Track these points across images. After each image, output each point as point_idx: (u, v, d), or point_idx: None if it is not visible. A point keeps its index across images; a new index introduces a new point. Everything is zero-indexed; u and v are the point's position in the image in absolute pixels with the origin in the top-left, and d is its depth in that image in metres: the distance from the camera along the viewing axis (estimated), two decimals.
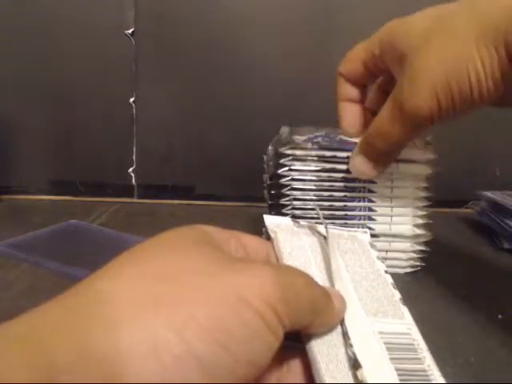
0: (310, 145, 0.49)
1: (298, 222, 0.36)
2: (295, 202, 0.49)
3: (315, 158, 0.49)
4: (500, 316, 0.43)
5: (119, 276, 0.21)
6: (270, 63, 0.80)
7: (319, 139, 0.50)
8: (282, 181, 0.49)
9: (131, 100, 0.81)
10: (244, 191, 0.82)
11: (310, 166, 0.49)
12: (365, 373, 0.22)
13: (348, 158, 0.46)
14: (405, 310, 0.28)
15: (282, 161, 0.49)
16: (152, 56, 0.80)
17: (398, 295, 0.29)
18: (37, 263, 0.53)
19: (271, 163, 0.50)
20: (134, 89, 0.81)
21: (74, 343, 0.16)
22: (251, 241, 0.28)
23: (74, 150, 0.83)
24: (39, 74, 0.80)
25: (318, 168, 0.48)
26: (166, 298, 0.18)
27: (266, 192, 0.53)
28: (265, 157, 0.55)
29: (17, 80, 0.80)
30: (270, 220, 0.34)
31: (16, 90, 0.81)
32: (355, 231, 0.37)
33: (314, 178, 0.48)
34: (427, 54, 0.34)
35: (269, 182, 0.50)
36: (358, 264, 0.31)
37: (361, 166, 0.43)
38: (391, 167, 0.47)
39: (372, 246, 0.35)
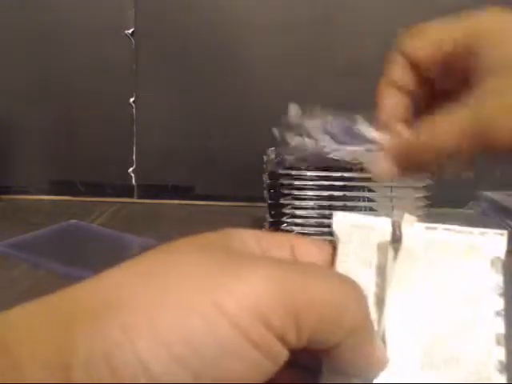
0: (321, 135, 0.48)
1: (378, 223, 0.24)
2: (295, 202, 0.49)
3: (314, 187, 0.48)
4: None
5: (105, 275, 0.18)
6: (270, 63, 0.80)
7: (312, 156, 0.50)
8: (282, 181, 0.49)
9: (131, 100, 0.81)
10: (244, 191, 0.82)
11: (310, 171, 0.49)
12: None
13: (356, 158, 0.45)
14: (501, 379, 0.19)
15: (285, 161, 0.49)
16: (152, 56, 0.80)
17: (499, 355, 0.20)
18: (37, 263, 0.53)
19: (271, 164, 0.50)
20: (134, 89, 0.81)
21: (38, 344, 0.16)
22: (306, 247, 0.22)
23: (74, 150, 0.83)
24: (39, 74, 0.80)
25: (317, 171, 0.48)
26: (131, 299, 0.16)
27: (265, 192, 0.53)
28: (265, 157, 0.55)
29: (17, 80, 0.80)
30: (341, 218, 0.24)
31: (16, 90, 0.81)
32: (482, 234, 0.24)
33: (313, 176, 0.48)
34: None
35: (268, 181, 0.50)
36: (447, 292, 0.21)
37: (389, 173, 0.34)
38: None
39: (495, 264, 0.23)
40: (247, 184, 0.80)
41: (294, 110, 0.52)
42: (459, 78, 0.32)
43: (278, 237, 0.22)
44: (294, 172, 0.49)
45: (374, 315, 0.20)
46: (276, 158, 0.54)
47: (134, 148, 0.83)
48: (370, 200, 0.48)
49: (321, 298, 0.17)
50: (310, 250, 0.22)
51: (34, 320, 0.16)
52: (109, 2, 0.78)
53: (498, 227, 0.62)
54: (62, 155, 0.83)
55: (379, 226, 0.23)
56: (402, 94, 0.35)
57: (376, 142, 0.37)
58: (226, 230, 0.21)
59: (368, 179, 0.48)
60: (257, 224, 0.65)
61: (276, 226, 0.51)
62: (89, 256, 0.59)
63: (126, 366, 0.15)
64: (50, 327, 0.16)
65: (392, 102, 0.35)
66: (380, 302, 0.21)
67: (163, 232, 0.66)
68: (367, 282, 0.21)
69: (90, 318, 0.16)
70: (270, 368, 0.16)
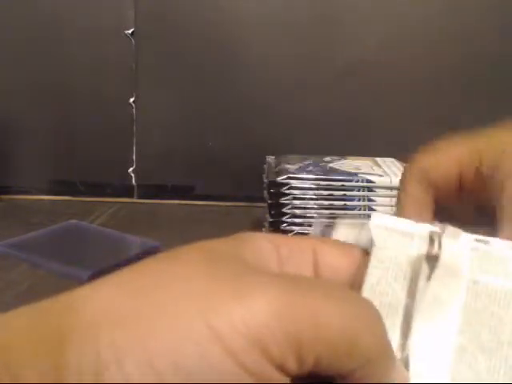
0: (304, 174, 0.49)
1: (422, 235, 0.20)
2: (295, 201, 0.49)
3: (313, 186, 0.49)
4: None
5: (102, 284, 0.17)
6: (270, 63, 0.80)
7: (311, 168, 0.51)
8: (281, 180, 0.49)
9: (131, 100, 0.81)
10: (244, 191, 0.82)
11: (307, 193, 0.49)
12: None
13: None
14: None
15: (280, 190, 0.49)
16: (152, 56, 0.80)
17: None
18: (37, 263, 0.53)
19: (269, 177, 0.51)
20: (134, 89, 0.81)
21: (31, 354, 0.15)
22: (330, 252, 0.20)
23: (74, 150, 0.83)
24: (39, 74, 0.80)
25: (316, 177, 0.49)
26: (124, 316, 0.15)
27: (265, 192, 0.53)
28: (265, 166, 0.55)
29: (17, 80, 0.80)
30: (380, 220, 0.20)
31: (16, 91, 0.81)
32: None
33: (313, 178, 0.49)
34: None
35: (268, 180, 0.51)
36: (494, 326, 0.18)
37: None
38: (390, 167, 0.47)
39: None
40: (247, 184, 0.80)
41: (272, 161, 0.53)
42: (483, 193, 0.29)
43: (300, 242, 0.20)
44: (293, 181, 0.49)
45: (397, 337, 0.18)
46: (276, 167, 0.55)
47: (134, 148, 0.83)
48: (369, 200, 0.48)
49: (329, 325, 0.15)
50: (334, 255, 0.20)
51: (30, 327, 0.16)
52: (109, 1, 0.78)
53: None
54: (62, 155, 0.83)
55: (419, 234, 0.20)
56: (424, 207, 0.33)
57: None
58: (242, 235, 0.20)
59: (367, 180, 0.49)
60: (257, 224, 0.65)
61: (276, 226, 0.51)
62: (89, 256, 0.59)
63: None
64: (44, 338, 0.15)
65: (415, 213, 0.32)
66: (407, 322, 0.18)
67: (163, 232, 0.66)
68: (398, 296, 0.18)
69: (83, 333, 0.15)
70: None
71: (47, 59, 0.80)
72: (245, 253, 0.18)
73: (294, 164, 0.52)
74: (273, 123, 0.81)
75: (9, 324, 0.16)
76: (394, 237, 0.20)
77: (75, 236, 0.63)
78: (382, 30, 0.79)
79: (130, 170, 0.83)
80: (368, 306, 0.17)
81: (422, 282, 0.18)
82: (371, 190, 0.48)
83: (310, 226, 0.50)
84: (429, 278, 0.18)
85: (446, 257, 0.19)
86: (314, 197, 0.48)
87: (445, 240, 0.19)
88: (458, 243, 0.19)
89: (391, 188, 0.48)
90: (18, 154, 0.82)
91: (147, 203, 0.83)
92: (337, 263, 0.20)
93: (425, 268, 0.19)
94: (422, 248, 0.19)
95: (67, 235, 0.63)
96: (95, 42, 0.79)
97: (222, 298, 0.15)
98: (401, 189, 0.34)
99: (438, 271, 0.18)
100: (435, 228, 0.20)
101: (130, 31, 0.79)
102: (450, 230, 0.19)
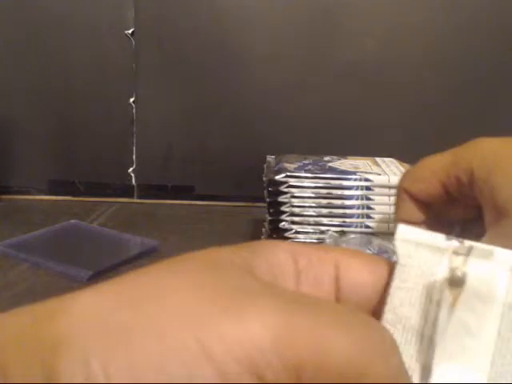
0: (303, 172, 0.49)
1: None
2: (293, 200, 0.49)
3: (312, 185, 0.49)
4: None
5: (100, 290, 0.17)
6: (270, 63, 0.80)
7: (310, 167, 0.51)
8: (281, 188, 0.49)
9: (131, 100, 0.81)
10: (244, 191, 0.82)
11: (306, 191, 0.49)
12: None
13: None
14: None
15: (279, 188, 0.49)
16: (152, 56, 0.80)
17: None
18: (37, 263, 0.53)
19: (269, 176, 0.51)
20: (134, 89, 0.81)
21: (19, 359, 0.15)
22: (353, 266, 0.18)
23: (74, 150, 0.83)
24: (39, 74, 0.80)
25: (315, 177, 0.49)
26: (116, 329, 0.15)
27: (265, 192, 0.53)
28: (265, 165, 0.56)
29: (17, 81, 0.80)
30: (406, 233, 0.18)
31: (16, 91, 0.81)
32: None
33: (311, 176, 0.49)
34: None
35: (267, 179, 0.51)
36: None
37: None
38: (389, 166, 0.47)
39: None
40: (247, 184, 0.80)
41: (271, 161, 0.53)
42: (471, 202, 0.30)
43: (322, 253, 0.18)
44: (292, 180, 0.49)
45: (420, 366, 0.16)
46: (275, 165, 0.55)
47: (134, 148, 0.83)
48: (368, 199, 0.48)
49: (335, 353, 0.14)
50: (359, 270, 0.18)
51: (24, 330, 0.16)
52: (109, 1, 0.78)
53: None
54: (61, 155, 0.83)
55: (447, 250, 0.17)
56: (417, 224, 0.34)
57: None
58: (257, 243, 0.18)
59: (366, 179, 0.49)
60: (257, 224, 0.65)
61: (275, 225, 0.51)
62: (89, 256, 0.59)
63: None
64: (37, 341, 0.15)
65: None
66: (432, 350, 0.16)
67: (163, 232, 0.66)
68: (422, 321, 0.16)
69: (75, 341, 0.15)
70: None
71: (47, 59, 0.80)
72: (256, 264, 0.17)
73: (293, 163, 0.53)
74: (273, 123, 0.81)
75: (3, 325, 0.16)
76: (421, 252, 0.17)
77: (75, 236, 0.63)
78: (382, 29, 0.79)
79: (130, 170, 0.83)
80: (382, 333, 0.15)
81: (444, 312, 0.16)
82: (369, 189, 0.48)
83: (308, 224, 0.50)
84: (454, 302, 0.16)
85: (474, 278, 0.16)
86: (312, 195, 0.48)
87: (474, 258, 0.17)
88: (492, 262, 0.16)
89: (389, 187, 0.48)
90: (18, 154, 0.82)
91: (147, 203, 0.83)
92: (361, 279, 0.18)
93: (447, 296, 0.16)
94: (449, 266, 0.17)
95: (67, 235, 0.63)
96: (95, 42, 0.79)
97: (217, 316, 0.14)
98: (395, 210, 0.35)
99: (465, 294, 0.16)
100: (466, 243, 0.17)
101: (130, 31, 0.79)
102: (482, 246, 0.17)
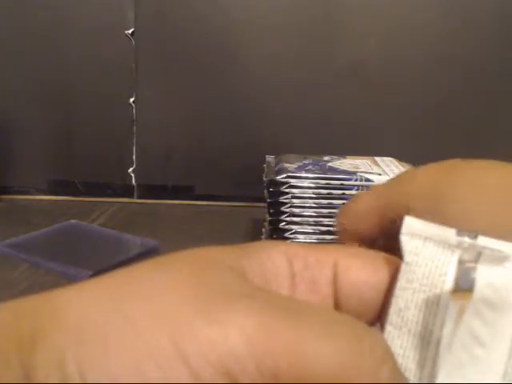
0: (303, 173, 0.49)
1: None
2: (294, 200, 0.49)
3: (312, 185, 0.49)
4: None
5: (83, 288, 0.17)
6: (270, 63, 0.80)
7: (310, 167, 0.51)
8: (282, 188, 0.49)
9: (131, 100, 0.81)
10: (244, 191, 0.82)
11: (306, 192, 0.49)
12: None
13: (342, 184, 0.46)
14: None
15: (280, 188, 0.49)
16: (152, 56, 0.80)
17: None
18: (37, 263, 0.53)
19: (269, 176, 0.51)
20: (134, 89, 0.81)
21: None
22: (352, 266, 0.17)
23: (74, 150, 0.83)
24: (39, 74, 0.80)
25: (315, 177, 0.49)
26: (91, 325, 0.15)
27: (266, 191, 0.53)
28: (265, 166, 0.56)
29: (17, 80, 0.80)
30: (413, 227, 0.17)
31: (16, 90, 0.81)
32: None
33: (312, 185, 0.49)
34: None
35: (267, 179, 0.51)
36: None
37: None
38: (389, 166, 0.47)
39: None
40: (247, 184, 0.80)
41: (271, 161, 0.53)
42: None
43: (319, 253, 0.18)
44: (292, 180, 0.49)
45: (427, 375, 0.15)
46: (275, 166, 0.55)
47: (134, 148, 0.83)
48: None
49: (317, 364, 0.13)
50: (357, 270, 0.17)
51: (6, 324, 0.16)
52: (109, 1, 0.78)
53: None
54: (61, 155, 0.83)
55: (458, 246, 0.16)
56: None
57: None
58: (252, 244, 0.18)
59: (366, 179, 0.48)
60: (257, 224, 0.65)
61: (275, 225, 0.51)
62: (89, 256, 0.59)
63: None
64: (18, 335, 0.15)
65: None
66: (436, 359, 0.15)
67: (163, 232, 0.66)
68: (429, 326, 0.15)
69: (52, 338, 0.15)
70: None
71: (47, 59, 0.80)
72: (248, 266, 0.17)
73: (293, 163, 0.53)
74: (273, 123, 0.81)
75: None
76: (429, 249, 0.16)
77: (75, 236, 0.63)
78: (382, 29, 0.79)
79: (130, 170, 0.83)
80: (372, 342, 0.14)
81: (449, 322, 0.15)
82: (370, 189, 0.48)
83: (308, 224, 0.50)
84: (463, 309, 0.15)
85: (484, 284, 0.15)
86: (313, 196, 0.48)
87: (484, 262, 0.15)
88: (504, 267, 0.15)
89: None
90: (17, 154, 0.82)
91: (147, 203, 0.83)
92: (361, 281, 0.17)
93: (453, 304, 0.15)
94: (457, 269, 0.16)
95: (67, 235, 0.63)
96: (95, 41, 0.79)
97: (192, 318, 0.14)
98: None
99: (474, 301, 0.15)
100: (478, 241, 0.16)
101: (130, 31, 0.79)
102: (495, 249, 0.15)
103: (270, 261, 0.17)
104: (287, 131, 0.81)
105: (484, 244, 0.16)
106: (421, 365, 0.15)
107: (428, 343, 0.15)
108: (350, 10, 0.79)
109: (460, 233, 0.16)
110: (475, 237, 0.16)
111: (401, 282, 0.16)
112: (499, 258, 0.15)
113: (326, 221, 0.49)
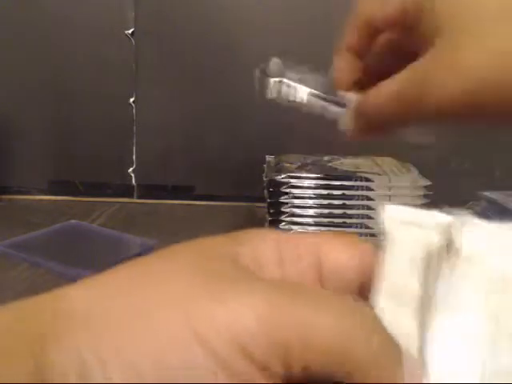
0: (303, 173, 0.49)
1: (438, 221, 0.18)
2: (294, 200, 0.49)
3: (312, 185, 0.49)
4: None
5: (88, 283, 0.17)
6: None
7: (310, 167, 0.51)
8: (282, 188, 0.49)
9: (131, 100, 0.81)
10: (244, 191, 0.82)
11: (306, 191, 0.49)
12: None
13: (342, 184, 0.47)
14: None
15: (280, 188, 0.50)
16: (152, 56, 0.80)
17: None
18: (37, 263, 0.53)
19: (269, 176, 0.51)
20: (134, 89, 0.81)
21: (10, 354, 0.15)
22: (335, 251, 0.19)
23: (74, 150, 0.83)
24: (39, 74, 0.80)
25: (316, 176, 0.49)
26: (103, 316, 0.15)
27: (265, 191, 0.53)
28: (265, 165, 0.56)
29: (17, 80, 0.80)
30: (394, 213, 0.18)
31: (16, 90, 0.81)
32: None
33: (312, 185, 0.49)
34: (493, 35, 0.26)
35: (267, 179, 0.51)
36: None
37: (352, 130, 0.37)
38: (389, 166, 0.47)
39: None
40: (247, 184, 0.80)
41: (275, 63, 0.52)
42: (420, 39, 0.31)
43: (305, 239, 0.19)
44: (293, 180, 0.49)
45: (415, 334, 0.16)
46: (276, 165, 0.55)
47: (134, 148, 0.83)
48: (368, 199, 0.48)
49: (319, 335, 0.15)
50: (341, 253, 0.18)
51: (12, 326, 0.16)
52: (109, 1, 0.78)
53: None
54: (61, 155, 0.83)
55: (436, 224, 0.18)
56: (356, 58, 0.37)
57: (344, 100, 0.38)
58: (242, 233, 0.19)
59: (366, 179, 0.48)
60: (257, 224, 0.65)
61: (275, 225, 0.51)
62: (89, 256, 0.59)
63: None
64: (26, 337, 0.15)
65: (347, 65, 0.37)
66: (427, 318, 0.17)
67: (163, 232, 0.66)
68: (416, 292, 0.17)
69: (64, 334, 0.15)
70: None
71: (47, 59, 0.80)
72: (241, 253, 0.18)
73: (293, 163, 0.53)
74: (273, 123, 0.81)
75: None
76: (411, 229, 0.18)
77: (75, 236, 0.64)
78: None
79: (130, 170, 0.83)
80: (363, 313, 0.16)
81: (442, 278, 0.17)
82: (370, 189, 0.48)
83: (308, 225, 0.50)
84: (450, 270, 0.17)
85: (466, 247, 0.17)
86: (313, 196, 0.48)
87: (465, 230, 0.18)
88: (478, 231, 0.18)
89: (390, 187, 0.48)
90: (18, 154, 0.82)
91: (147, 203, 0.83)
92: (343, 262, 0.18)
93: (444, 262, 0.17)
94: (440, 239, 0.17)
95: (67, 235, 0.63)
96: (95, 42, 0.79)
97: (206, 301, 0.15)
98: (342, 37, 0.37)
99: (459, 262, 0.17)
100: (454, 218, 0.18)
101: (130, 31, 0.79)
102: (469, 219, 0.18)
103: (261, 248, 0.18)
104: (287, 131, 0.81)
105: (465, 219, 0.18)
106: (415, 326, 0.16)
107: (421, 307, 0.16)
108: (350, 10, 0.78)
109: (440, 213, 0.18)
110: (456, 215, 0.18)
111: (386, 258, 0.17)
112: (472, 222, 0.18)
113: (325, 221, 0.49)
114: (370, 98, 0.33)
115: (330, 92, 0.39)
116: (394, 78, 0.31)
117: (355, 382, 0.15)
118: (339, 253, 0.19)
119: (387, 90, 0.31)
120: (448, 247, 0.17)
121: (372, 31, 0.36)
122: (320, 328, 0.15)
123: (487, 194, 0.71)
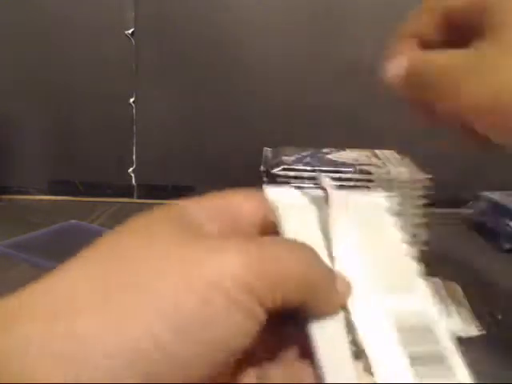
0: (301, 165, 0.49)
1: (307, 193, 0.28)
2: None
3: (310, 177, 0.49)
4: (500, 317, 0.43)
5: (74, 264, 0.21)
6: (270, 63, 0.80)
7: (308, 159, 0.51)
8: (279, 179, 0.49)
9: (131, 100, 0.81)
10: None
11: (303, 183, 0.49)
12: (370, 361, 0.20)
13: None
14: (422, 285, 0.24)
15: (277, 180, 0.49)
16: (152, 56, 0.80)
17: (415, 267, 0.25)
18: (37, 263, 0.53)
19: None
20: (134, 89, 0.81)
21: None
22: (246, 205, 0.24)
23: (74, 150, 0.83)
24: (39, 74, 0.80)
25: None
26: (118, 284, 0.18)
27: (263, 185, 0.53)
28: (262, 167, 0.55)
29: (17, 80, 0.80)
30: (273, 192, 0.26)
31: (16, 91, 0.81)
32: (373, 195, 0.29)
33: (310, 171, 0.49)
34: None
35: (264, 171, 0.51)
36: (369, 232, 0.26)
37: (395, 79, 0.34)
38: (389, 158, 0.47)
39: (390, 211, 0.28)
40: (247, 184, 0.80)
41: (268, 153, 0.53)
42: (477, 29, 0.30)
43: (219, 202, 0.24)
44: (291, 173, 0.49)
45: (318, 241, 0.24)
46: (273, 158, 0.55)
47: (134, 148, 0.83)
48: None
49: (289, 267, 0.19)
50: (248, 210, 0.24)
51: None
52: (109, 2, 0.78)
53: (497, 227, 0.61)
54: (61, 155, 0.83)
55: (314, 196, 0.26)
56: (419, 46, 0.35)
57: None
58: (170, 205, 0.24)
59: (365, 178, 0.48)
60: None
61: None
62: None
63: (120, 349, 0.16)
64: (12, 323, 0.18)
65: (409, 51, 0.34)
66: (330, 256, 0.24)
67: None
68: (316, 238, 0.24)
69: (61, 316, 0.18)
70: (254, 331, 0.19)
71: (47, 59, 0.80)
72: (180, 218, 0.22)
73: (291, 155, 0.52)
74: (273, 123, 0.81)
75: None
76: (289, 203, 0.25)
77: (75, 236, 0.63)
78: (381, 30, 0.79)
79: (130, 170, 0.83)
80: (309, 248, 0.21)
81: (331, 222, 0.25)
82: (369, 182, 0.48)
83: None
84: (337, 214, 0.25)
85: (334, 201, 0.25)
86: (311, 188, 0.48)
87: (329, 189, 0.26)
88: (342, 192, 0.26)
89: (389, 179, 0.48)
90: (17, 154, 0.82)
91: (147, 203, 0.83)
92: (251, 216, 0.24)
93: (328, 212, 0.25)
94: (319, 202, 0.26)
95: (67, 235, 0.63)
96: (95, 41, 0.79)
97: (205, 257, 0.18)
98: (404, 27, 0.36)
99: (335, 212, 0.25)
100: (318, 182, 0.26)
101: (130, 31, 0.79)
102: (327, 181, 0.26)
103: (191, 212, 0.23)
104: (287, 131, 0.81)
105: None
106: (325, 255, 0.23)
107: (320, 248, 0.23)
108: (350, 10, 0.79)
109: (304, 189, 0.27)
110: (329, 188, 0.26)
111: (281, 232, 0.23)
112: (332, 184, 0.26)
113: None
114: (423, 56, 0.33)
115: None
116: (445, 52, 0.30)
117: (317, 302, 0.20)
118: (246, 206, 0.24)
119: (436, 58, 0.31)
120: (327, 202, 0.25)
121: (441, 19, 0.34)
122: (290, 262, 0.20)
123: (487, 193, 0.71)
